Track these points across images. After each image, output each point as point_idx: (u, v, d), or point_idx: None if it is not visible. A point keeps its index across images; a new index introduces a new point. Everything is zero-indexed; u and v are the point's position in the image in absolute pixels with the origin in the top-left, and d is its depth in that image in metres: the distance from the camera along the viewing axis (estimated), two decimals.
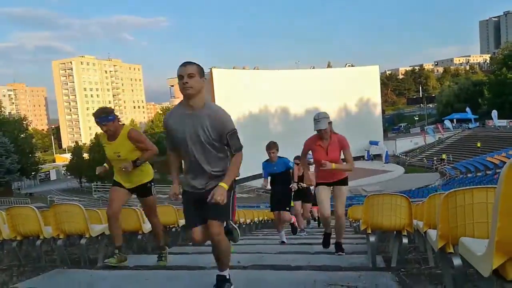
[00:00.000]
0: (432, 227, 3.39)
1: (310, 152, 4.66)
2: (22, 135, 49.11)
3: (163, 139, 34.52)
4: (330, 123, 4.40)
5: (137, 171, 3.94)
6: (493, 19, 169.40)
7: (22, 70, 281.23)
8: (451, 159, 44.11)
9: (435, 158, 45.61)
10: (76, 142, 66.71)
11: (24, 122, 52.90)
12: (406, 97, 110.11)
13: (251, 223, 11.58)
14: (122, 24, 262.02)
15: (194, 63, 2.62)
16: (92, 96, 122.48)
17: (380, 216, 3.82)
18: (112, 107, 4.17)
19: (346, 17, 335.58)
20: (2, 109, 53.46)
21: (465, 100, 63.80)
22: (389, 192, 4.18)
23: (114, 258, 3.88)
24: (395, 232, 3.95)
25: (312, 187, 6.69)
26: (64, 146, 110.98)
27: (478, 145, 44.28)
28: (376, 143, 53.19)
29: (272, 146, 6.20)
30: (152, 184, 4.13)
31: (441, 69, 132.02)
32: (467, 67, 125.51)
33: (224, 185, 2.54)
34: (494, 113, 50.82)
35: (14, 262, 4.49)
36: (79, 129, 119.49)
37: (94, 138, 53.07)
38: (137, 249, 5.59)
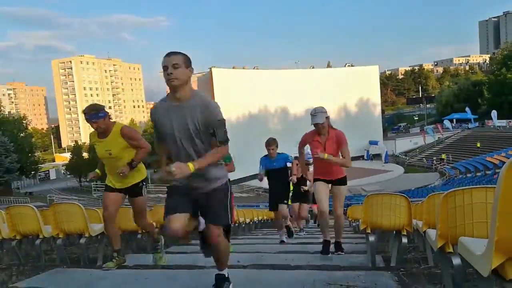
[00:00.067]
0: (432, 227, 3.39)
1: (309, 152, 4.63)
2: (21, 134, 49.06)
3: None
4: (327, 118, 4.32)
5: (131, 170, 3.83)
6: (492, 19, 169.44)
7: (21, 69, 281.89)
8: (451, 159, 44.14)
9: (434, 158, 45.69)
10: (76, 141, 66.57)
11: (23, 121, 52.82)
12: (406, 97, 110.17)
13: (251, 223, 11.57)
14: (122, 24, 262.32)
15: (180, 52, 2.47)
16: (91, 96, 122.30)
17: (380, 216, 3.82)
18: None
19: (345, 17, 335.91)
20: (2, 108, 53.33)
21: (464, 100, 63.89)
22: (388, 191, 4.18)
23: (113, 262, 3.82)
24: (394, 231, 3.95)
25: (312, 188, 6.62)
26: (63, 145, 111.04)
27: (478, 145, 44.31)
28: (375, 143, 53.21)
29: (271, 143, 6.09)
30: (144, 184, 4.01)
31: (440, 69, 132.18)
32: (467, 67, 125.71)
33: (190, 165, 2.33)
34: (494, 113, 50.83)
35: (14, 261, 4.49)
36: (79, 128, 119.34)
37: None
38: (136, 249, 5.59)
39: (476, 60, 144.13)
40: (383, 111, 67.02)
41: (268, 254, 4.82)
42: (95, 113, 3.67)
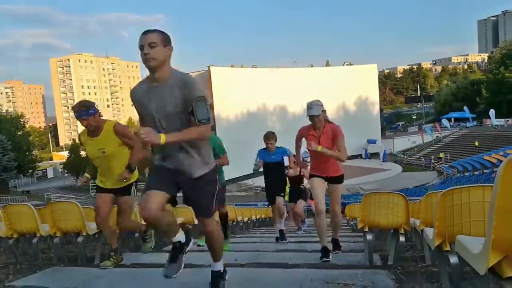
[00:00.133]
0: (429, 225, 3.39)
1: (306, 151, 4.61)
2: (19, 133, 48.88)
3: None
4: (324, 111, 4.24)
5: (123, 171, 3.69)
6: (491, 18, 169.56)
7: (19, 68, 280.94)
8: (449, 157, 44.25)
9: (432, 157, 45.74)
10: (74, 140, 66.26)
11: (21, 120, 52.69)
12: (404, 95, 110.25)
13: (249, 222, 11.58)
14: (120, 22, 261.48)
15: (157, 30, 2.34)
16: (89, 94, 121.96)
17: (378, 215, 3.83)
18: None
19: (344, 16, 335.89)
20: (0, 106, 53.36)
21: (463, 99, 63.97)
22: (386, 190, 4.19)
23: (110, 261, 3.81)
24: (392, 230, 3.96)
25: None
26: (61, 143, 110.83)
27: (476, 144, 44.42)
28: (374, 141, 53.28)
29: (270, 137, 5.92)
30: (134, 183, 3.90)
31: (439, 68, 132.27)
32: (465, 66, 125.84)
33: (162, 136, 2.21)
34: (492, 112, 50.91)
35: (11, 260, 4.48)
36: (77, 126, 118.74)
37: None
38: (134, 247, 5.58)
39: (475, 59, 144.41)
40: (381, 110, 67.07)
41: (266, 253, 4.82)
42: (85, 110, 3.56)
